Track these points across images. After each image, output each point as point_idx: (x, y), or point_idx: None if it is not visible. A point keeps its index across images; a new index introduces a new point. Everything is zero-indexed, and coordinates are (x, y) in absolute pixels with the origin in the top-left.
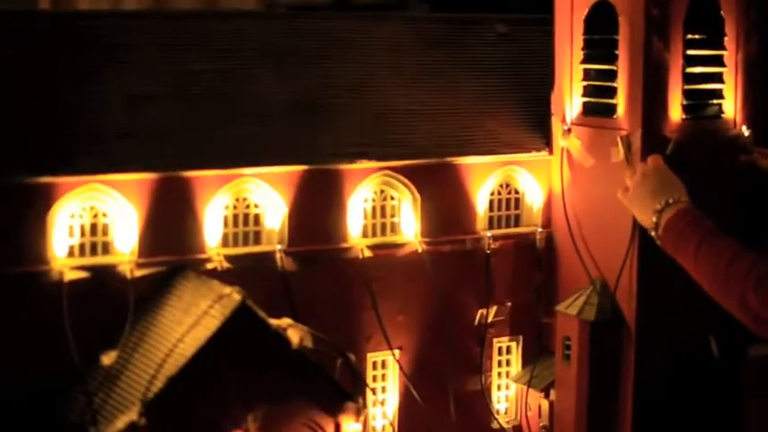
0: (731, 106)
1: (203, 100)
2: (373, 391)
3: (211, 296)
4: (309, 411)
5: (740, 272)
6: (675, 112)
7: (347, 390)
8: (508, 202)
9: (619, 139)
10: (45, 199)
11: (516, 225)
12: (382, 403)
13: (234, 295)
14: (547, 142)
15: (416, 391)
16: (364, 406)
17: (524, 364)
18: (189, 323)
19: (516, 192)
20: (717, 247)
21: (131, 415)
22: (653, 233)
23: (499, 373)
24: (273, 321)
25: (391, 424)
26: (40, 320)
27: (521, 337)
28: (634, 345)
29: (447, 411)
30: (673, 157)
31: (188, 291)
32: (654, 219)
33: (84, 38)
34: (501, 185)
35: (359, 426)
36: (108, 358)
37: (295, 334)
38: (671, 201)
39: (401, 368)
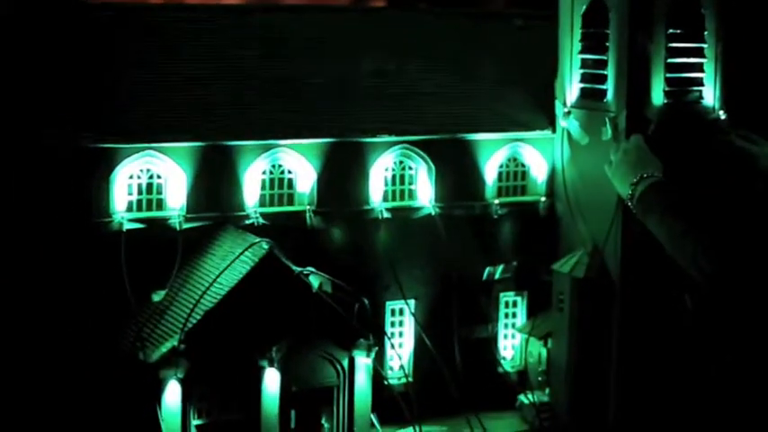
0: (710, 93)
1: (247, 81)
2: (387, 336)
3: (245, 246)
4: (327, 346)
5: (693, 237)
6: (658, 97)
7: (360, 329)
8: (515, 174)
9: (607, 120)
10: (109, 162)
11: (522, 194)
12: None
13: (263, 244)
14: (550, 122)
15: (428, 338)
16: (375, 344)
17: (529, 317)
18: (225, 267)
19: (522, 165)
20: (678, 216)
21: (173, 342)
22: (629, 203)
23: (506, 324)
24: (297, 268)
25: (402, 366)
26: (102, 263)
27: (525, 293)
28: (619, 299)
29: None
30: (654, 136)
31: (227, 242)
32: (630, 191)
33: (145, 28)
34: (509, 159)
35: (370, 360)
36: (157, 296)
37: (316, 279)
38: (645, 175)
39: (415, 316)
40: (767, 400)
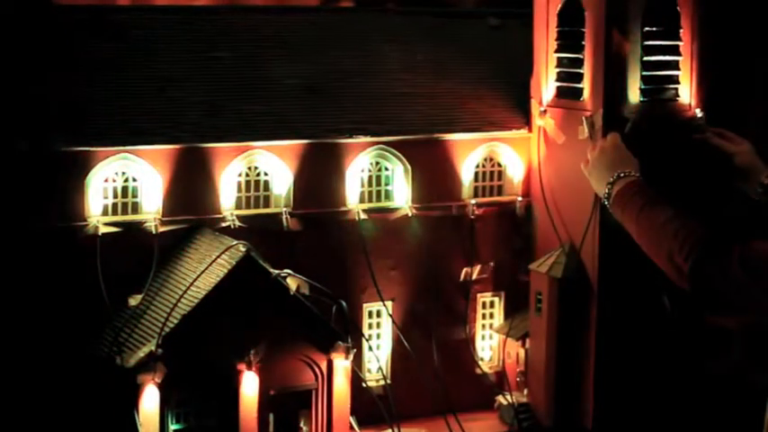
0: (686, 91)
1: (221, 83)
2: (366, 338)
3: (221, 248)
4: (305, 349)
5: (669, 234)
6: (634, 96)
7: (339, 331)
8: (492, 174)
9: (583, 119)
10: (84, 166)
11: (499, 194)
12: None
13: (240, 247)
14: (526, 122)
15: (406, 340)
16: (353, 346)
17: (506, 317)
18: (201, 270)
19: (499, 165)
20: (654, 213)
21: (150, 346)
22: (605, 201)
23: (483, 325)
24: (274, 271)
25: (380, 368)
26: (78, 268)
27: (503, 293)
28: (596, 299)
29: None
30: (631, 134)
31: (203, 245)
32: (606, 189)
33: (117, 30)
34: (485, 159)
35: (348, 362)
36: (134, 300)
37: (293, 282)
38: (622, 174)
39: (392, 318)
40: (742, 399)
